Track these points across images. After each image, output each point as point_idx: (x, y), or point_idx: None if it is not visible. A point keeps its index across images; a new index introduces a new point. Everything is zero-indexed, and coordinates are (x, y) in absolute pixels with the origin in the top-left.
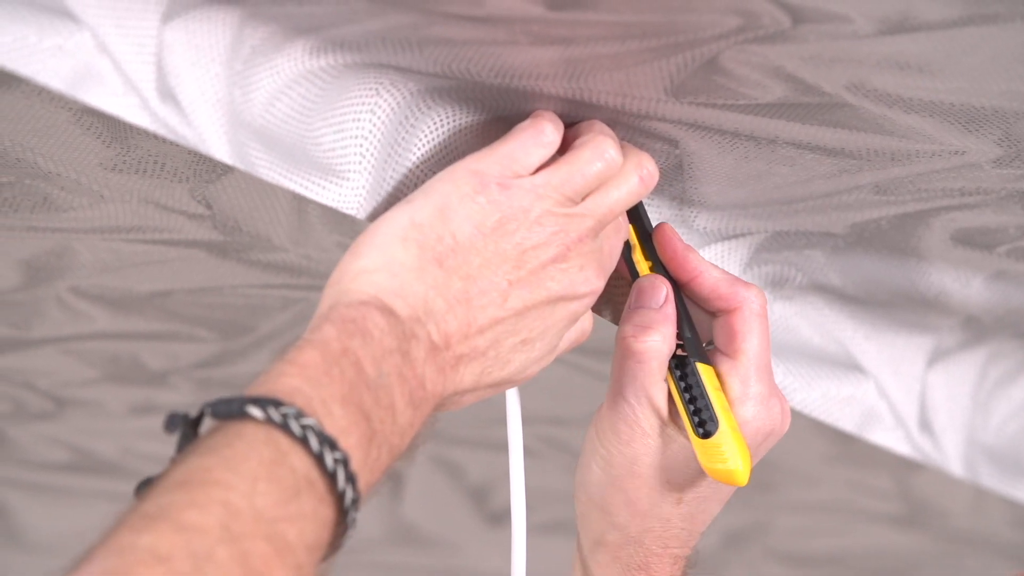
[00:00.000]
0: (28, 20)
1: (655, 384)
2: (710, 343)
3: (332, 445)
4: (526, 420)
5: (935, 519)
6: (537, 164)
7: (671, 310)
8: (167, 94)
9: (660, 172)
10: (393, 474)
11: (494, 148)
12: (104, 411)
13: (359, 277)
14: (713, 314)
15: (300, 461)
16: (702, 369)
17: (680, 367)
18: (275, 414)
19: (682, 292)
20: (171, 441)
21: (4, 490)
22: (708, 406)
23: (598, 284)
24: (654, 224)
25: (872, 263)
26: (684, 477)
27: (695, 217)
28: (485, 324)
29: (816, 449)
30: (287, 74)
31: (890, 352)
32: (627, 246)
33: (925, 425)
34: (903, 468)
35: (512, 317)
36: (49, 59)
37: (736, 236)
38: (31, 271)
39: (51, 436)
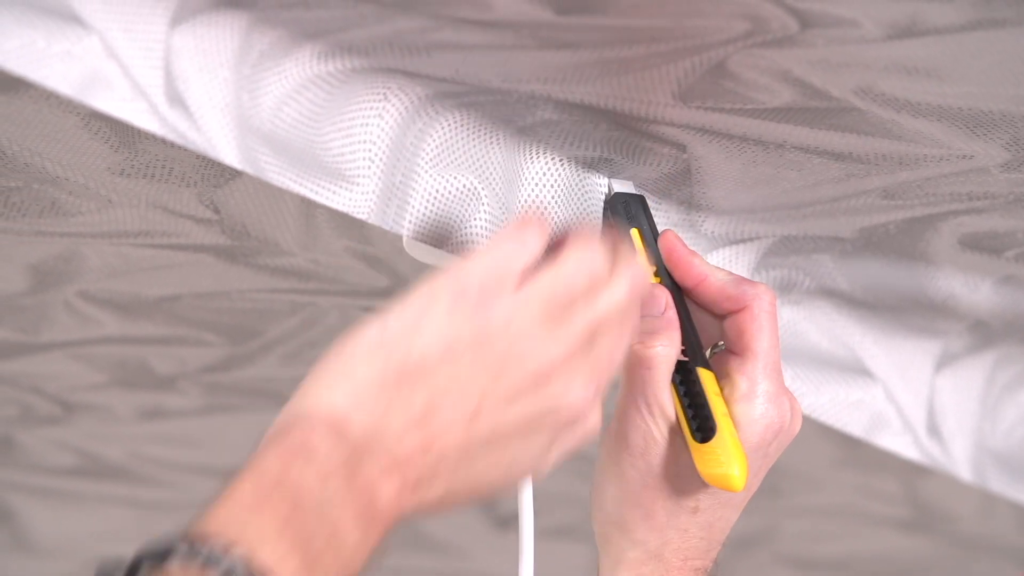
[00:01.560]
0: (36, 25)
1: (664, 391)
2: (718, 345)
3: None
4: None
5: (943, 523)
6: (519, 273)
7: (673, 315)
8: (175, 99)
9: (668, 176)
10: None
11: (475, 258)
12: (112, 415)
13: (319, 390)
14: (722, 316)
15: None
16: (702, 374)
17: (680, 372)
18: (200, 555)
19: (689, 297)
20: (180, 445)
21: (12, 494)
22: (706, 411)
23: (586, 395)
24: (659, 230)
25: (880, 267)
26: (698, 485)
27: (703, 221)
28: (448, 442)
29: (824, 453)
30: (295, 79)
31: (898, 357)
32: (623, 228)
33: (933, 430)
34: (911, 472)
35: (482, 436)
36: (57, 64)
37: (744, 240)
38: (39, 275)
39: (59, 440)
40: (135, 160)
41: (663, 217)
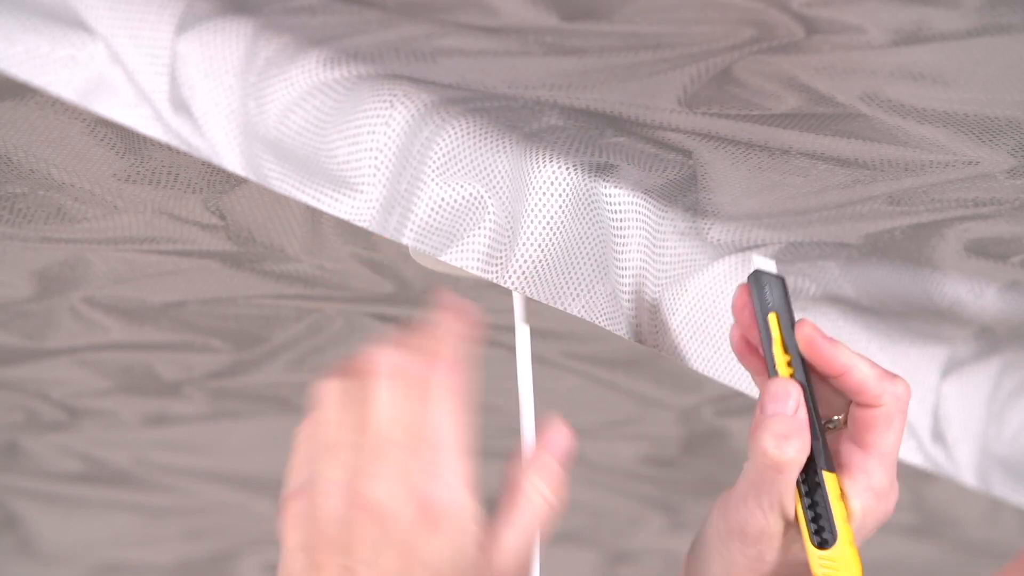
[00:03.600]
0: (41, 31)
1: (789, 493)
2: (835, 420)
3: None
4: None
5: (948, 529)
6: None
7: (804, 416)
8: (180, 105)
9: (673, 183)
10: None
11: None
12: (118, 421)
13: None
14: (849, 399)
15: None
16: (827, 477)
17: (804, 471)
18: None
19: (821, 383)
20: (185, 451)
21: (17, 500)
22: (828, 517)
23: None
24: (796, 318)
25: (886, 274)
26: (804, 573)
27: (709, 228)
28: None
29: None
30: (301, 85)
31: (904, 363)
32: (768, 338)
33: (938, 436)
34: (916, 478)
35: None
36: (62, 69)
37: (750, 247)
38: (45, 282)
39: (64, 446)
40: (141, 166)
41: (668, 224)
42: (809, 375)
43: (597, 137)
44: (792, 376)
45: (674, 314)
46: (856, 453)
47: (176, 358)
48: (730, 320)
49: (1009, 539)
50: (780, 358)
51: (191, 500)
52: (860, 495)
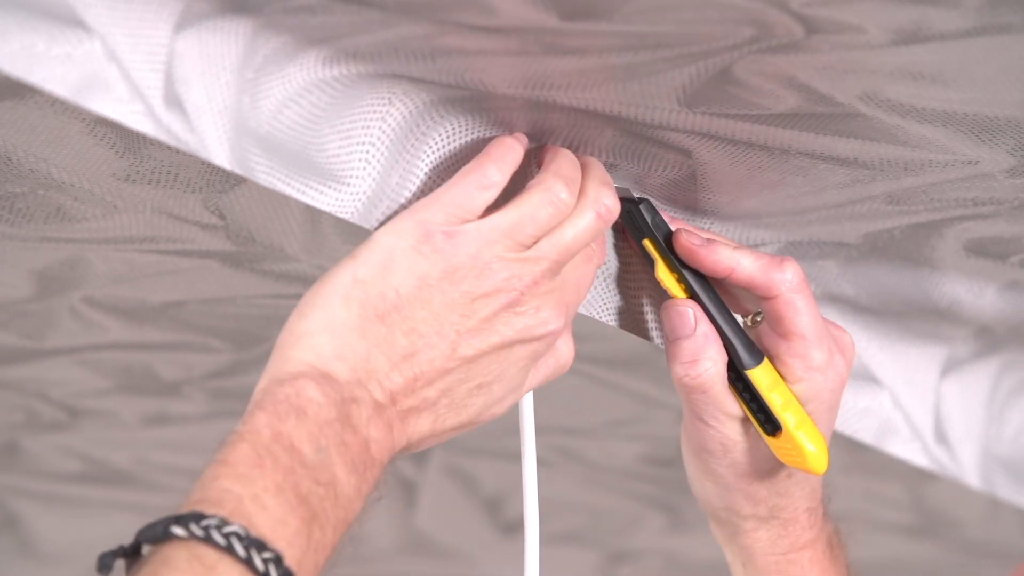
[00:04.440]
0: (38, 29)
1: (725, 400)
2: (759, 315)
3: (260, 546)
4: (540, 430)
5: (949, 529)
6: (483, 207)
7: (708, 330)
8: (173, 101)
9: (673, 182)
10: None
11: (437, 195)
12: (118, 421)
13: (300, 341)
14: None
15: (229, 570)
16: (753, 375)
17: (733, 370)
18: (197, 529)
19: (718, 286)
20: (185, 450)
21: (17, 500)
22: (766, 408)
23: (558, 323)
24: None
25: (885, 273)
26: (775, 462)
27: (708, 227)
28: (433, 375)
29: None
30: (299, 83)
31: (904, 362)
32: (651, 261)
33: (941, 436)
34: (917, 478)
35: (463, 366)
36: (57, 67)
37: (749, 246)
38: (44, 281)
39: (64, 446)
40: (140, 166)
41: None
42: (708, 281)
43: (596, 137)
44: (686, 294)
45: None
46: (780, 342)
47: (176, 358)
48: None
49: (1010, 539)
50: (669, 280)
51: None
52: (802, 378)
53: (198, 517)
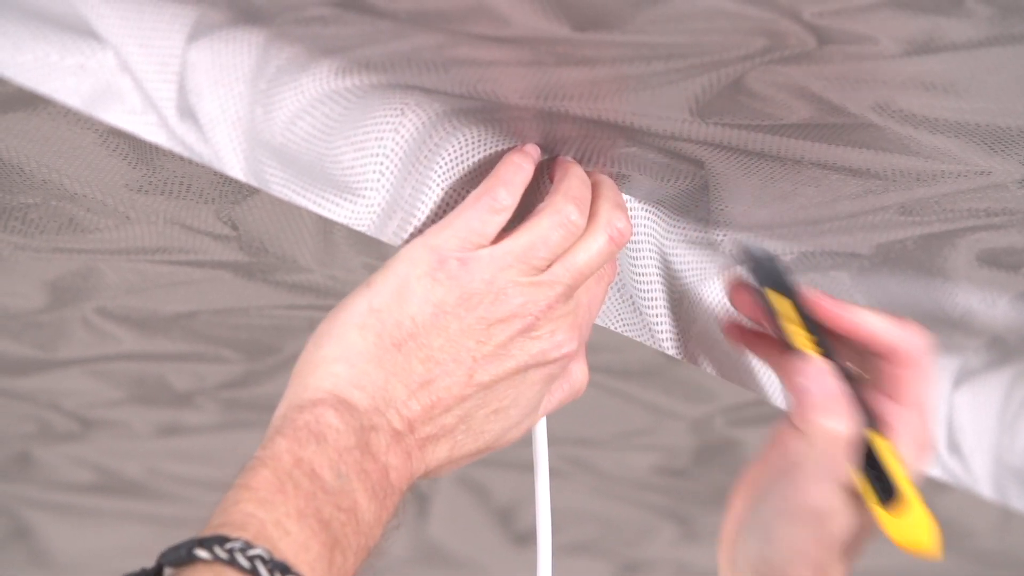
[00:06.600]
0: (51, 39)
1: (843, 464)
2: (862, 378)
3: (284, 569)
4: (552, 441)
5: (962, 539)
6: (495, 231)
7: (844, 388)
8: (187, 112)
9: (686, 193)
10: (419, 494)
11: (449, 220)
12: (130, 432)
13: (318, 369)
14: (873, 355)
15: None
16: (877, 440)
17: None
18: (221, 552)
19: (839, 343)
20: (198, 461)
21: (30, 511)
22: (887, 478)
23: (572, 346)
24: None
25: (898, 284)
26: (861, 540)
27: (721, 238)
28: (450, 402)
29: None
30: (311, 93)
31: None
32: (773, 312)
33: (954, 447)
34: (928, 488)
35: (479, 391)
36: (69, 77)
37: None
38: (57, 292)
39: (77, 457)
40: (153, 176)
41: (680, 234)
42: (827, 341)
43: (609, 147)
44: (816, 348)
45: (693, 322)
46: (893, 408)
47: (188, 368)
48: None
49: (1023, 550)
50: (795, 331)
51: (203, 510)
52: (919, 452)
53: (222, 540)
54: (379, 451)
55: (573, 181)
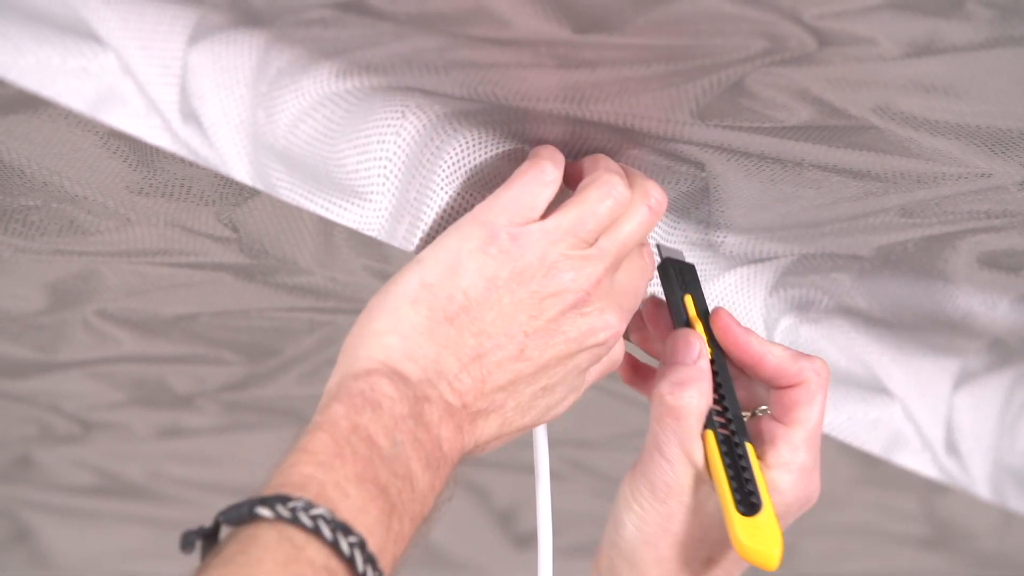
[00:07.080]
0: (53, 42)
1: (693, 441)
2: (760, 409)
3: (346, 530)
4: (553, 443)
5: (961, 541)
6: (544, 206)
7: (706, 366)
8: (189, 115)
9: (686, 195)
10: None
11: (498, 195)
12: (131, 434)
13: (370, 341)
14: (773, 387)
15: (316, 552)
16: (749, 448)
17: (726, 443)
18: (284, 510)
19: (740, 370)
20: (198, 463)
21: (31, 513)
22: (753, 486)
23: (620, 327)
24: (709, 305)
25: (898, 286)
26: (716, 539)
27: (721, 240)
28: (501, 379)
29: (842, 472)
30: (313, 96)
31: (916, 375)
32: (677, 292)
33: (952, 448)
34: (929, 490)
35: (529, 369)
36: (72, 80)
37: (762, 259)
38: (57, 294)
39: (77, 459)
40: (153, 179)
41: (681, 236)
42: (725, 364)
43: (609, 150)
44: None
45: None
46: (779, 428)
47: (189, 370)
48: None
49: (1022, 551)
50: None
51: (204, 512)
52: (786, 469)
53: (284, 499)
54: (432, 422)
55: (607, 161)
